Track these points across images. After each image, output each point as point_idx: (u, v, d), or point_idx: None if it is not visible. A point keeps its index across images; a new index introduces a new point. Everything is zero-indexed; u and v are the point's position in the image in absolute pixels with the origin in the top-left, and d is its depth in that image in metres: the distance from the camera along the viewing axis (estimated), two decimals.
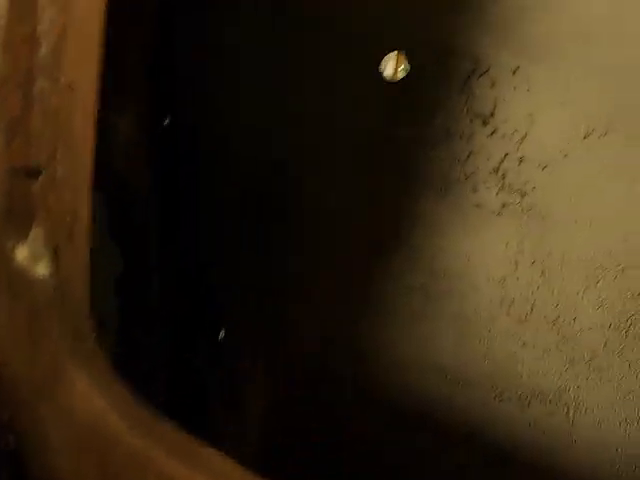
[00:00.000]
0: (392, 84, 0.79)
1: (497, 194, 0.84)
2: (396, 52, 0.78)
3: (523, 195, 0.78)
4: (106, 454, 0.45)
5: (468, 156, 0.86)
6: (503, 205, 0.83)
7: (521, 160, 0.78)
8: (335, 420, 0.70)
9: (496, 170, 0.85)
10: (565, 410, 0.79)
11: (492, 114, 0.79)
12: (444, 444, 0.73)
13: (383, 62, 0.78)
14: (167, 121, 0.72)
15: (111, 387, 0.43)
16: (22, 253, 0.45)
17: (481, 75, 0.77)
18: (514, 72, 0.75)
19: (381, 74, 0.78)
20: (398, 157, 0.85)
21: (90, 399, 0.43)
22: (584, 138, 0.74)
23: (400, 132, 0.84)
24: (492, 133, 0.85)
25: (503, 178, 0.85)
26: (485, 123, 0.86)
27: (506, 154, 0.84)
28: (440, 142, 0.85)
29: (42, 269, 0.44)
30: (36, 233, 0.45)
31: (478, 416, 0.77)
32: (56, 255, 0.44)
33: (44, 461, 0.48)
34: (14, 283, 0.45)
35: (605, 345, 0.77)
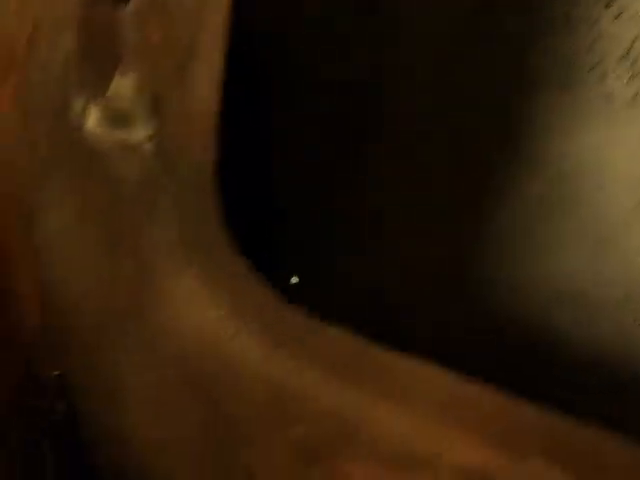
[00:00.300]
0: None
1: (628, 83, 0.75)
2: None
3: None
4: (219, 384, 0.35)
5: (592, 43, 0.77)
6: (636, 94, 0.74)
7: None
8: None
9: (625, 56, 0.76)
10: None
11: None
12: (577, 372, 0.63)
13: None
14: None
15: (239, 287, 0.32)
16: (97, 113, 0.35)
17: None
18: None
19: None
20: (506, 53, 0.76)
21: (202, 306, 0.33)
22: None
23: (508, 24, 0.75)
24: (618, 16, 0.77)
25: (633, 64, 0.76)
26: (608, 5, 0.77)
27: (636, 37, 0.75)
28: (558, 30, 0.76)
29: (133, 132, 0.34)
30: (122, 82, 0.35)
31: (613, 342, 0.68)
32: (157, 109, 0.33)
33: (111, 422, 0.38)
34: (83, 159, 0.35)
35: None
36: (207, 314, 0.33)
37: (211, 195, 0.32)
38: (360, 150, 0.58)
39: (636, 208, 0.75)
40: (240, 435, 0.34)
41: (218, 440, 0.35)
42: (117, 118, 0.34)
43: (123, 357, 0.37)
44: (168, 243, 0.34)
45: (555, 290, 0.71)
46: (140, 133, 0.33)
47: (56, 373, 0.40)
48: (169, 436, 0.37)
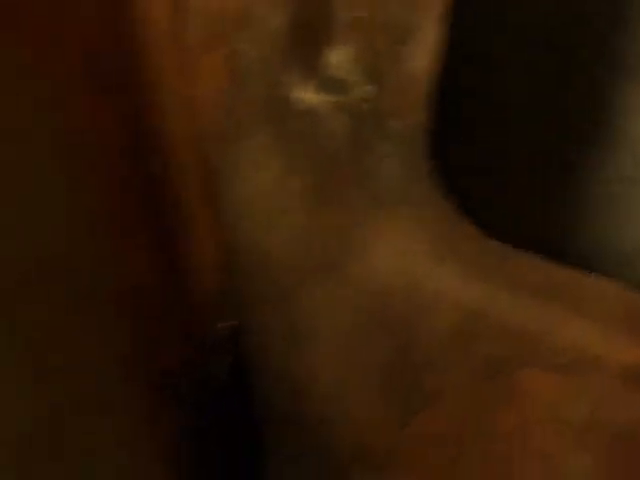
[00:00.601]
0: None
1: None
2: None
3: None
4: (412, 318, 0.39)
5: None
6: None
7: None
8: None
9: None
10: None
11: None
12: None
13: None
14: None
15: (441, 228, 0.37)
16: (310, 81, 0.39)
17: None
18: None
19: None
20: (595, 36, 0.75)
21: (404, 249, 0.37)
22: None
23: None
24: None
25: None
26: None
27: None
28: None
29: (348, 96, 0.38)
30: (334, 55, 0.39)
31: None
32: (369, 78, 0.37)
33: (292, 372, 0.42)
34: (292, 133, 0.39)
35: None
36: (409, 254, 0.38)
37: (421, 153, 0.37)
38: None
39: None
40: (425, 362, 0.39)
41: (401, 371, 0.40)
42: (332, 85, 0.38)
43: (316, 306, 0.40)
44: (374, 197, 0.38)
45: None
46: (355, 96, 0.37)
47: (226, 326, 0.43)
48: (351, 376, 0.41)
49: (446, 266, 0.38)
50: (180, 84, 0.41)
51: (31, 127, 0.37)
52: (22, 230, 0.38)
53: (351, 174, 0.39)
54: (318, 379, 0.42)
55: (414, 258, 0.39)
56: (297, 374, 0.43)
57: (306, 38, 0.38)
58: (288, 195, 0.40)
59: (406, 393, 0.41)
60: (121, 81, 0.41)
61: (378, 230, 0.39)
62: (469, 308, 0.38)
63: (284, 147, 0.39)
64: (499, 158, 0.62)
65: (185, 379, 0.44)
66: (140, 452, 0.42)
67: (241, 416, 0.46)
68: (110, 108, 0.41)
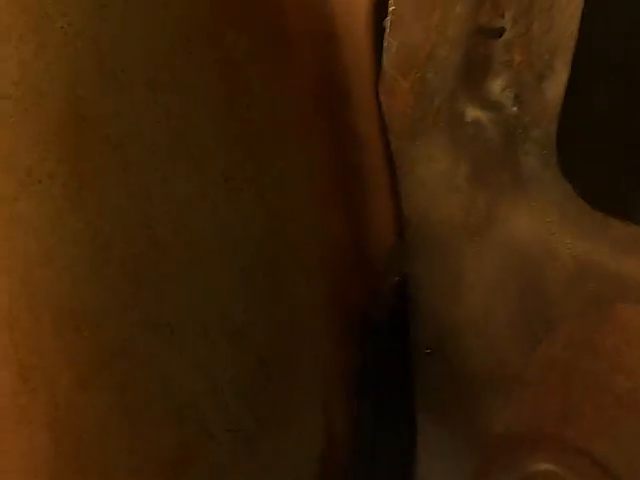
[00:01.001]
0: None
1: None
2: None
3: None
4: (540, 269, 0.55)
5: None
6: None
7: None
8: None
9: None
10: None
11: None
12: None
13: None
14: None
15: (564, 204, 0.53)
16: (474, 108, 0.56)
17: None
18: None
19: None
20: None
21: (536, 219, 0.53)
22: None
23: None
24: None
25: None
26: None
27: None
28: None
29: (502, 112, 0.55)
30: (491, 86, 0.56)
31: None
32: (518, 101, 0.55)
33: (448, 313, 0.57)
34: (461, 136, 0.56)
35: None
36: (540, 222, 0.53)
37: (552, 151, 0.53)
38: None
39: None
40: (548, 300, 0.54)
41: (529, 309, 0.55)
42: (491, 105, 0.54)
43: (469, 260, 0.56)
44: (517, 181, 0.54)
45: None
46: (507, 113, 0.53)
47: (397, 279, 0.58)
48: (493, 314, 0.56)
49: (566, 230, 0.54)
50: (376, 96, 0.57)
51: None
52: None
53: (502, 165, 0.55)
54: (468, 318, 0.57)
55: (543, 224, 0.54)
56: (451, 313, 0.58)
57: (474, 71, 0.55)
58: (455, 178, 0.56)
59: (533, 325, 0.56)
60: (335, 96, 0.58)
61: (519, 205, 0.55)
62: (582, 259, 0.53)
63: (455, 146, 0.56)
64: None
65: (363, 316, 0.59)
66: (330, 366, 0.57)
67: (397, 353, 0.61)
68: (324, 114, 0.58)
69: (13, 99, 0.47)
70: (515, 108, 0.56)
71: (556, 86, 0.55)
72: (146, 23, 0.49)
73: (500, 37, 0.56)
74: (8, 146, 0.46)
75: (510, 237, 0.58)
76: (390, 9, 0.57)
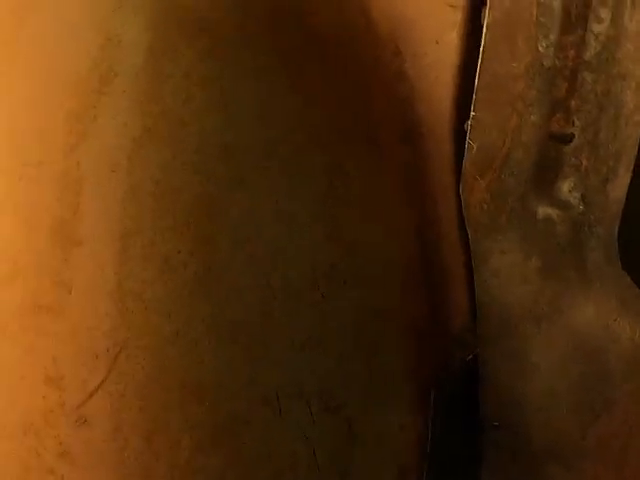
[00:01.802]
0: None
1: None
2: None
3: None
4: (602, 353, 0.62)
5: None
6: None
7: None
8: None
9: None
10: None
11: None
12: None
13: None
14: None
15: (624, 295, 0.60)
16: (545, 206, 0.63)
17: None
18: None
19: None
20: None
21: (602, 310, 0.60)
22: None
23: None
24: None
25: None
26: None
27: None
28: None
29: (570, 211, 0.62)
30: (560, 186, 0.63)
31: None
32: (584, 201, 0.62)
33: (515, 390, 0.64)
34: (532, 232, 0.63)
35: None
36: (601, 311, 0.60)
37: (614, 247, 0.60)
38: None
39: None
40: (607, 381, 0.60)
41: (590, 388, 0.61)
42: (561, 203, 0.62)
43: (535, 344, 0.62)
44: (583, 274, 0.61)
45: None
46: (574, 212, 0.61)
47: (468, 357, 0.65)
48: (556, 393, 0.62)
49: (625, 316, 0.60)
50: (456, 192, 0.64)
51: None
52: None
53: (569, 259, 0.62)
54: (532, 396, 0.64)
55: (605, 312, 0.61)
56: (516, 390, 0.64)
57: (546, 172, 0.63)
58: (526, 270, 0.63)
59: (593, 403, 0.62)
60: (419, 191, 0.65)
61: (583, 295, 0.62)
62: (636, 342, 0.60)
63: (526, 240, 0.63)
64: None
65: (434, 391, 0.65)
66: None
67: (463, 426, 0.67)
68: (409, 206, 0.65)
69: (154, 196, 0.55)
70: (582, 207, 0.63)
71: (619, 188, 0.62)
72: (268, 130, 0.57)
73: (570, 143, 0.64)
74: (149, 237, 0.54)
75: (574, 323, 0.64)
76: (472, 114, 0.65)
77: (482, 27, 0.64)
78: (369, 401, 0.61)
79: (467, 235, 0.66)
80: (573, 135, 0.64)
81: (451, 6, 0.69)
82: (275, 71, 0.59)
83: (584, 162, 0.64)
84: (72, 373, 0.54)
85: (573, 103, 0.64)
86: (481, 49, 0.65)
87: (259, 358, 0.56)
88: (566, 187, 0.64)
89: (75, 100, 0.55)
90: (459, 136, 0.67)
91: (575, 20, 0.64)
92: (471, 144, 0.65)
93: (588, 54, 0.63)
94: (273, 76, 0.59)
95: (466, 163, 0.65)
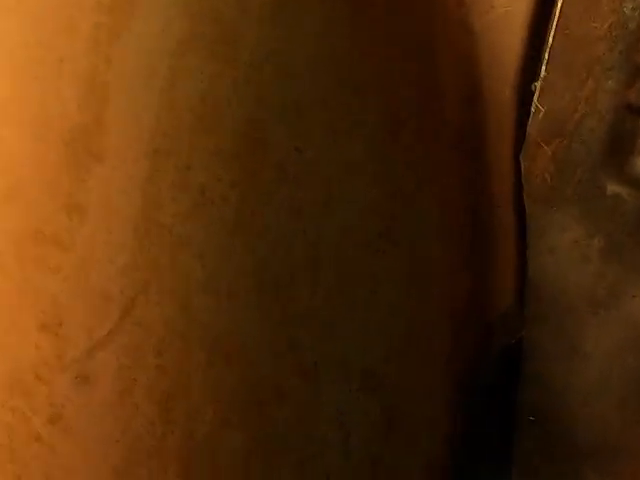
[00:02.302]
0: None
1: None
2: None
3: None
4: None
5: None
6: None
7: None
8: None
9: None
10: None
11: None
12: None
13: None
14: None
15: None
16: (615, 182, 0.55)
17: None
18: None
19: None
20: None
21: None
22: None
23: None
24: None
25: None
26: None
27: None
28: None
29: (636, 194, 0.54)
30: (634, 162, 0.55)
31: None
32: None
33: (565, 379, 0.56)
34: (598, 209, 0.55)
35: None
36: None
37: None
38: None
39: None
40: None
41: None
42: (633, 181, 0.53)
43: (589, 331, 0.54)
44: None
45: None
46: None
47: (513, 341, 0.56)
48: (605, 386, 0.54)
49: None
50: (514, 158, 0.56)
51: None
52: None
53: (636, 243, 0.54)
54: (579, 388, 0.55)
55: None
56: (563, 381, 0.56)
57: (619, 146, 0.55)
58: (587, 249, 0.54)
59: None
60: (473, 154, 0.56)
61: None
62: None
63: (591, 218, 0.55)
64: None
65: (471, 376, 0.57)
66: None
67: (498, 416, 0.58)
68: (460, 170, 0.56)
69: (195, 113, 0.44)
70: None
71: None
72: (328, 63, 0.47)
73: None
74: (185, 160, 0.43)
75: (635, 313, 0.57)
76: (542, 75, 0.57)
77: None
78: (404, 384, 0.52)
79: (521, 210, 0.58)
80: None
81: None
82: (341, 3, 0.50)
83: None
84: (74, 318, 0.42)
85: None
86: (559, 4, 0.57)
87: (301, 319, 0.46)
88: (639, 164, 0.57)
89: None
90: (524, 100, 0.58)
91: None
92: (539, 107, 0.57)
93: None
94: (339, 7, 0.50)
95: (531, 128, 0.57)
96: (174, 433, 0.44)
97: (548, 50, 0.58)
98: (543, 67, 0.57)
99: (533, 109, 0.57)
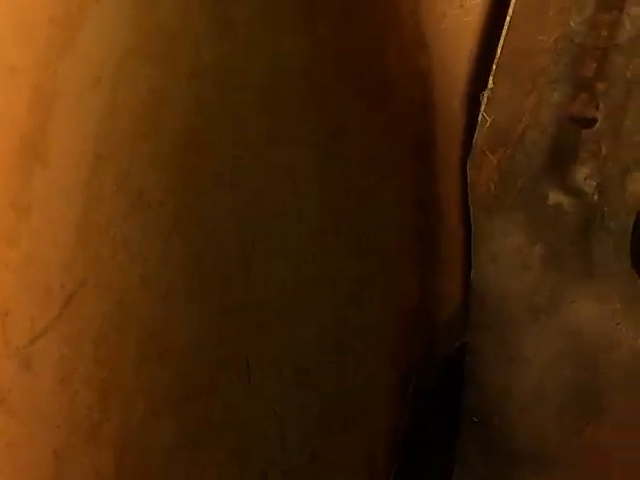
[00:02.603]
0: None
1: None
2: None
3: None
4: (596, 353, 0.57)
5: None
6: None
7: None
8: None
9: None
10: None
11: None
12: None
13: None
14: None
15: (627, 293, 0.56)
16: (557, 192, 0.58)
17: None
18: None
19: None
20: None
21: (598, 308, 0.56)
22: None
23: None
24: None
25: None
26: None
27: None
28: None
29: (582, 198, 0.58)
30: (575, 173, 0.59)
31: None
32: (599, 191, 0.57)
33: (505, 384, 0.59)
34: (539, 217, 0.58)
35: None
36: (603, 312, 0.56)
37: (626, 242, 0.55)
38: None
39: None
40: (602, 387, 0.56)
41: (582, 393, 0.57)
42: (574, 191, 0.57)
43: (528, 339, 0.58)
44: (587, 269, 0.56)
45: None
46: (588, 201, 0.56)
47: (457, 345, 0.60)
48: (544, 394, 0.58)
49: (629, 322, 0.56)
50: (461, 166, 0.59)
51: None
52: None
53: (575, 251, 0.57)
54: (518, 394, 0.59)
55: (608, 314, 0.57)
56: (502, 386, 0.59)
57: (561, 156, 0.58)
58: (528, 257, 0.58)
59: (583, 409, 0.58)
60: (423, 158, 0.60)
61: (586, 292, 0.57)
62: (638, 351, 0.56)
63: (532, 226, 0.58)
64: None
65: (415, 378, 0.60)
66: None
67: (444, 415, 0.62)
68: (411, 172, 0.60)
69: (135, 120, 0.48)
70: (596, 197, 0.59)
71: (638, 182, 0.58)
72: (273, 68, 0.51)
73: (590, 127, 0.59)
74: (125, 165, 0.47)
75: (573, 321, 0.60)
76: (489, 86, 0.60)
77: None
78: (344, 382, 0.56)
79: (468, 216, 0.62)
80: (595, 119, 0.60)
81: None
82: (287, 6, 0.54)
83: (604, 150, 0.59)
84: (20, 308, 0.47)
85: (600, 86, 0.59)
86: (508, 17, 0.60)
87: (232, 317, 0.50)
88: (582, 174, 0.60)
89: (61, 5, 0.49)
90: (473, 109, 0.62)
91: None
92: (485, 117, 0.60)
93: (622, 36, 0.59)
94: (284, 12, 0.54)
95: (477, 137, 0.60)
96: (110, 420, 0.48)
97: (496, 61, 0.61)
98: (491, 78, 0.61)
99: (480, 119, 0.61)
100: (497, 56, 0.61)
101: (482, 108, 0.61)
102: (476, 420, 0.63)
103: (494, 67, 0.61)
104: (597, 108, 0.60)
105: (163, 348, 0.49)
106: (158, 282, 0.48)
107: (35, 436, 0.50)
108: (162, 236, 0.48)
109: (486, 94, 0.61)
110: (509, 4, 0.60)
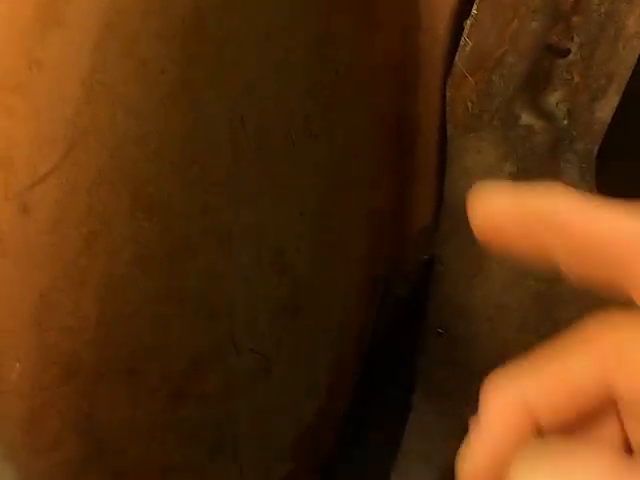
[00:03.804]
0: None
1: None
2: None
3: None
4: None
5: None
6: None
7: None
8: None
9: None
10: None
11: None
12: None
13: None
14: None
15: None
16: (529, 114, 0.71)
17: None
18: None
19: None
20: None
21: None
22: None
23: None
24: None
25: None
26: None
27: None
28: None
29: (554, 122, 0.70)
30: (548, 98, 0.71)
31: None
32: (569, 115, 0.70)
33: (469, 296, 0.71)
34: (512, 135, 0.71)
35: None
36: None
37: (592, 164, 0.68)
38: None
39: None
40: (557, 302, 0.68)
41: (539, 308, 0.68)
42: (545, 114, 0.70)
43: (493, 253, 0.69)
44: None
45: None
46: (558, 124, 0.69)
47: (424, 258, 0.71)
48: (505, 303, 0.69)
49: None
50: (441, 86, 0.72)
51: None
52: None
53: (544, 169, 0.70)
54: (482, 305, 0.70)
55: None
56: (467, 298, 0.71)
57: (535, 82, 0.71)
58: (499, 173, 0.70)
59: (539, 323, 0.69)
60: (405, 77, 0.72)
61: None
62: None
63: (504, 144, 0.70)
64: None
65: (385, 287, 0.72)
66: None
67: (409, 325, 0.73)
68: (391, 91, 0.73)
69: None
70: (566, 121, 0.72)
71: (606, 108, 0.71)
72: None
73: (565, 57, 0.72)
74: (131, 36, 0.60)
75: None
76: (473, 12, 0.73)
77: None
78: (318, 272, 0.68)
79: (445, 133, 0.74)
80: (569, 50, 0.73)
81: None
82: None
83: (576, 78, 0.72)
84: (24, 155, 0.59)
85: (575, 19, 0.73)
86: None
87: (219, 186, 0.62)
88: (553, 99, 0.73)
89: None
90: (457, 35, 0.75)
91: None
92: (467, 41, 0.73)
93: None
94: None
95: (458, 59, 0.73)
96: (94, 267, 0.60)
97: None
98: (475, 5, 0.74)
99: (462, 42, 0.74)
100: None
101: (465, 33, 0.74)
102: (441, 332, 0.74)
103: None
104: (572, 40, 0.73)
105: (150, 203, 0.60)
106: (150, 140, 0.60)
107: (25, 277, 0.61)
108: (160, 100, 0.60)
109: (469, 20, 0.74)
110: None
